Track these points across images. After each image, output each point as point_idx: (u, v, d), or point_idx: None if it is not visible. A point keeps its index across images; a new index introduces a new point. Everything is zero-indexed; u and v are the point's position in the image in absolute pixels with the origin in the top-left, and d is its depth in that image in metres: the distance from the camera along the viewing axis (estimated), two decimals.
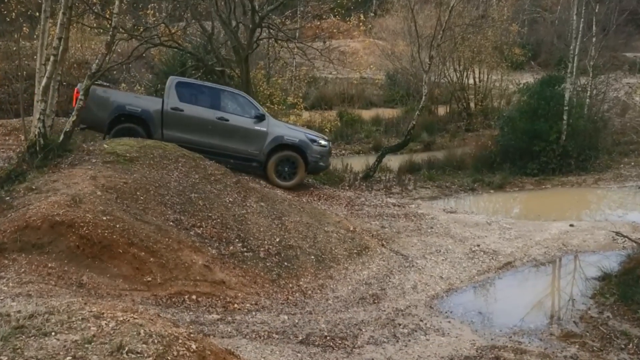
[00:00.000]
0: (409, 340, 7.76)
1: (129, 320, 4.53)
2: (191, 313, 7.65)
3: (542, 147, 17.19)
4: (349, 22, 27.09)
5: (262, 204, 10.83)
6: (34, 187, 8.87)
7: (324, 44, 21.31)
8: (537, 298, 9.80)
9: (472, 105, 26.02)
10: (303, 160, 13.14)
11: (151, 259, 8.18)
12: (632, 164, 18.65)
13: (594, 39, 19.89)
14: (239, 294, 8.43)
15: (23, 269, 7.37)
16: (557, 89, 18.04)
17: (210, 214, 9.81)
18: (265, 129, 13.05)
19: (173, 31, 16.26)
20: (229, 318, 7.72)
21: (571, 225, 12.43)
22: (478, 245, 11.19)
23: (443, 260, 10.56)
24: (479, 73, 26.00)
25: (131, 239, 8.21)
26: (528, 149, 17.42)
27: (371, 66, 23.80)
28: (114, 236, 8.09)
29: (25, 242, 7.70)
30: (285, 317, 8.05)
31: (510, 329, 8.27)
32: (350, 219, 11.80)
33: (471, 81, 26.03)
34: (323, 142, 13.54)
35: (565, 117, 17.36)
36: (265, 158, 13.04)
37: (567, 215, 13.83)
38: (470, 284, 9.83)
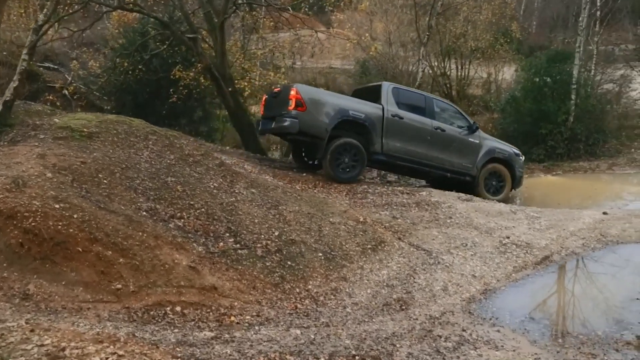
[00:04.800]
0: (457, 357, 6.04)
1: None
2: (176, 330, 5.77)
3: (549, 129, 15.87)
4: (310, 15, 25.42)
5: (252, 190, 8.97)
6: None
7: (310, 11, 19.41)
8: (591, 298, 8.11)
9: (453, 92, 24.50)
10: (510, 174, 12.71)
11: (121, 260, 6.28)
12: None
13: (598, 13, 18.54)
14: (236, 303, 6.59)
15: None
16: (564, 66, 16.63)
17: (192, 202, 7.92)
18: (478, 141, 12.54)
19: None
20: (226, 335, 5.85)
21: (604, 214, 10.95)
22: (508, 237, 9.55)
23: (472, 255, 8.86)
24: (461, 58, 24.46)
25: (94, 233, 6.31)
26: (532, 132, 16.03)
27: (377, 42, 21.93)
28: (71, 230, 6.21)
29: None
30: (298, 331, 6.22)
31: (575, 338, 6.58)
32: (356, 208, 9.98)
33: (453, 66, 24.57)
34: (522, 157, 12.97)
35: (573, 97, 15.96)
36: (478, 172, 12.51)
37: (591, 203, 12.50)
38: (509, 283, 8.13)
